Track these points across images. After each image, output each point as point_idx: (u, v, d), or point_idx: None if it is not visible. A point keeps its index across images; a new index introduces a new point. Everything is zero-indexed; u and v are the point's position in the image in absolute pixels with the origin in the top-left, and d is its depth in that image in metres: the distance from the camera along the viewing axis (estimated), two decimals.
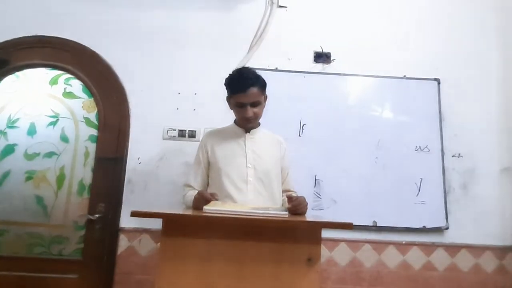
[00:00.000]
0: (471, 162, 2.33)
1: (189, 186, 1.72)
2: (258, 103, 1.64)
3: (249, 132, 1.72)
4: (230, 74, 1.68)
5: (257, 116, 1.67)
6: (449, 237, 2.22)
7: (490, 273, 2.20)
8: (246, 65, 2.31)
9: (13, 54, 2.27)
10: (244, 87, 1.58)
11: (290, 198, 1.49)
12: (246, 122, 1.69)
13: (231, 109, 1.72)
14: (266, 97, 1.71)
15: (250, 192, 1.60)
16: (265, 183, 1.64)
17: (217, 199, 1.45)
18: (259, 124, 1.77)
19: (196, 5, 2.43)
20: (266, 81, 1.68)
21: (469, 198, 2.29)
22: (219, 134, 1.78)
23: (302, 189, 1.86)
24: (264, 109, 1.71)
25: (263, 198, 1.61)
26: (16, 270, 2.07)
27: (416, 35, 2.47)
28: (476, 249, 2.22)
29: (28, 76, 2.30)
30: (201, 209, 1.32)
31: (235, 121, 1.77)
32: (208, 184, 1.73)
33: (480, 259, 2.21)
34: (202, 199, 1.41)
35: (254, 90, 1.59)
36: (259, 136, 1.74)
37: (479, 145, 2.36)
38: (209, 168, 1.72)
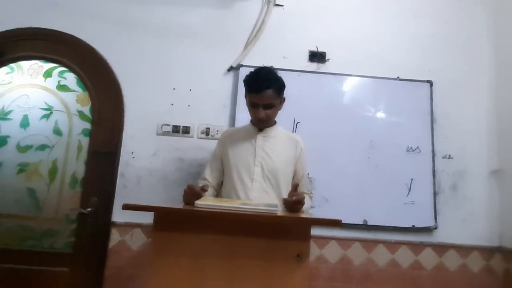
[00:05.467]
0: (461, 164, 2.37)
1: (204, 179, 1.75)
2: (271, 106, 1.64)
3: (262, 131, 1.73)
4: (250, 72, 1.68)
5: (269, 118, 1.68)
6: (438, 237, 2.26)
7: (477, 273, 2.24)
8: (242, 63, 2.34)
9: (7, 46, 2.26)
10: (259, 88, 1.59)
11: (295, 187, 1.43)
12: (257, 123, 1.71)
13: (247, 106, 1.72)
14: (283, 100, 1.72)
15: (254, 190, 1.61)
16: (272, 182, 1.64)
17: (206, 190, 1.45)
18: (275, 122, 1.78)
19: (194, 1, 2.43)
20: None
21: (458, 199, 2.33)
22: (235, 132, 1.80)
23: None
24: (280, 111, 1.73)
25: (268, 197, 1.61)
26: (7, 262, 2.07)
27: (410, 38, 2.50)
28: (463, 249, 2.25)
29: (22, 68, 2.28)
30: (191, 203, 1.33)
31: (251, 120, 1.77)
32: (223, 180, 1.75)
33: (467, 259, 2.25)
34: (191, 193, 1.40)
35: (268, 92, 1.59)
36: (273, 135, 1.74)
37: (469, 148, 2.39)
38: (223, 164, 1.74)
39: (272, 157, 1.67)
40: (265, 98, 1.60)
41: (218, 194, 1.75)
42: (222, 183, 1.75)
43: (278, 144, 1.72)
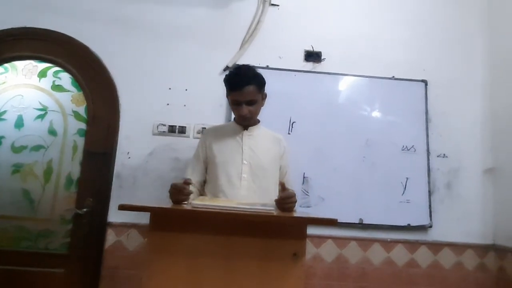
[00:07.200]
0: (456, 162, 2.39)
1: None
2: (253, 102, 1.64)
3: (247, 129, 1.73)
4: (229, 71, 1.69)
5: (252, 115, 1.68)
6: (433, 235, 2.28)
7: (472, 271, 2.26)
8: (238, 63, 2.34)
9: (1, 45, 2.24)
10: (240, 85, 1.59)
11: (283, 187, 1.44)
12: (242, 120, 1.70)
13: (230, 106, 1.72)
14: (265, 96, 1.73)
15: (243, 188, 1.61)
16: (261, 180, 1.65)
17: (190, 183, 1.41)
18: (258, 121, 1.78)
19: (190, 1, 2.42)
20: None
21: (453, 197, 2.35)
22: (218, 131, 1.79)
23: None
24: (262, 107, 1.73)
25: (256, 195, 1.61)
26: (2, 263, 2.05)
27: (405, 37, 2.51)
28: (458, 247, 2.27)
29: (16, 68, 2.27)
30: (179, 201, 1.33)
31: (234, 119, 1.78)
32: (205, 180, 1.74)
33: (462, 257, 2.27)
34: (175, 191, 1.38)
35: (249, 88, 1.60)
36: (258, 133, 1.75)
37: (463, 146, 2.41)
38: (207, 163, 1.73)
39: (259, 155, 1.68)
40: (247, 94, 1.61)
41: (201, 194, 1.73)
42: (204, 183, 1.74)
43: (264, 142, 1.73)
